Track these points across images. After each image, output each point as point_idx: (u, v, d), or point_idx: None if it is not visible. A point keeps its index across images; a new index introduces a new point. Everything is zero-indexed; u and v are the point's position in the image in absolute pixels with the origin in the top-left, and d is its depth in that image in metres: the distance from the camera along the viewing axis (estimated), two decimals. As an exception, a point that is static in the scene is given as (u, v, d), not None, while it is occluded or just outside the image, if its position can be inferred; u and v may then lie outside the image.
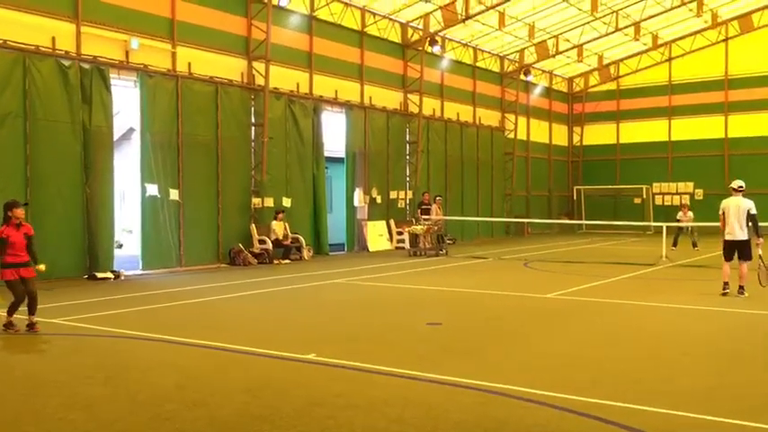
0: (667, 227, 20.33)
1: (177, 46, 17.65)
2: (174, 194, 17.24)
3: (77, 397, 6.30)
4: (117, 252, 16.88)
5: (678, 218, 23.55)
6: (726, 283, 12.15)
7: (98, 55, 15.86)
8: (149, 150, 16.83)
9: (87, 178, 15.61)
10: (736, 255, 12.01)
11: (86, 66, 15.59)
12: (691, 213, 23.43)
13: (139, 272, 16.51)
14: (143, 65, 16.75)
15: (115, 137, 16.95)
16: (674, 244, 22.25)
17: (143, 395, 6.30)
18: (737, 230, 11.85)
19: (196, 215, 17.90)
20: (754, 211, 11.80)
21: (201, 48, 18.34)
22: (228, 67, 19.04)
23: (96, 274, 15.22)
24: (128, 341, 8.80)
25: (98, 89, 15.73)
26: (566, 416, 5.63)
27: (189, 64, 17.94)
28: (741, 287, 11.94)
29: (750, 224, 11.80)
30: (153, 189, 16.80)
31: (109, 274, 15.32)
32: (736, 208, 11.86)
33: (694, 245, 22.32)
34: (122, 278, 15.44)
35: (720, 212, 12.15)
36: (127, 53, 16.53)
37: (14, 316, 9.28)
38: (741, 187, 12.05)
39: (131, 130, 20.05)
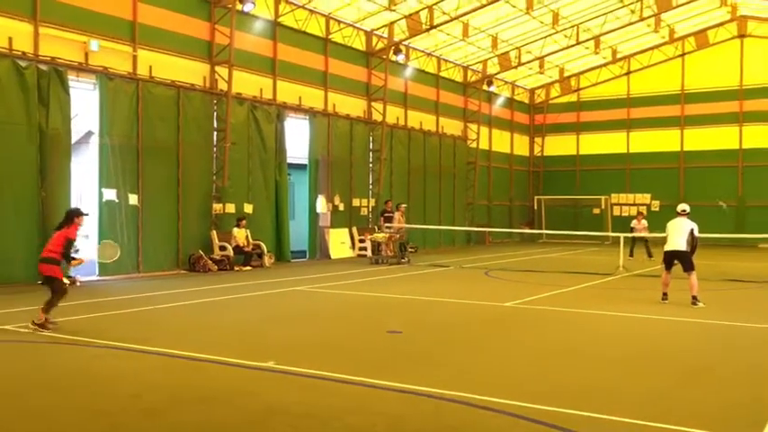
0: (624, 237, 20.72)
1: (138, 49, 17.43)
2: (132, 199, 16.99)
3: (30, 406, 6.15)
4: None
5: (632, 225, 23.94)
6: (664, 294, 12.80)
7: (56, 56, 15.57)
8: (108, 154, 16.57)
9: (43, 182, 15.29)
10: (675, 266, 12.71)
11: (44, 67, 15.28)
12: (645, 222, 23.88)
13: (96, 278, 16.20)
14: (103, 67, 16.50)
15: (73, 140, 16.63)
16: (631, 254, 22.66)
17: (98, 404, 6.19)
18: (677, 243, 12.58)
19: (155, 220, 17.65)
20: (696, 233, 12.56)
21: (163, 51, 18.14)
22: (191, 72, 18.86)
23: (51, 279, 14.87)
24: (82, 349, 8.63)
25: (56, 91, 15.42)
26: (521, 423, 5.69)
27: (150, 67, 17.72)
28: (694, 297, 12.28)
29: (689, 239, 12.48)
30: (110, 194, 16.54)
31: (64, 280, 14.94)
32: (679, 227, 12.66)
33: (649, 255, 22.76)
34: (78, 284, 15.10)
35: (666, 232, 12.96)
36: (86, 55, 16.26)
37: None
38: (684, 210, 12.90)
39: (90, 133, 19.71)
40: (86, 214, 10.29)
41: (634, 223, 23.93)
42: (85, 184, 19.21)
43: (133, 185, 17.09)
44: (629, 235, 22.83)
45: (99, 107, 16.49)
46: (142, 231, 17.19)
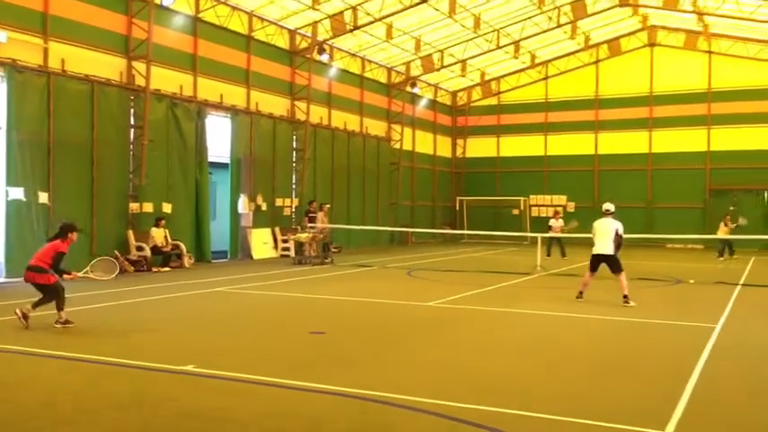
0: (542, 238, 21.33)
1: (50, 41, 16.70)
2: (43, 198, 16.26)
3: (-74, 417, 5.79)
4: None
5: (550, 224, 24.59)
6: (581, 292, 13.10)
7: (-41, 46, 14.76)
8: (16, 150, 15.79)
9: (-56, 179, 14.45)
10: (600, 268, 12.96)
11: (-55, 57, 14.46)
12: (561, 220, 24.62)
13: (2, 280, 15.42)
14: (11, 59, 15.71)
15: (-23, 135, 15.79)
16: (548, 253, 23.32)
17: (6, 413, 5.89)
18: (604, 246, 12.79)
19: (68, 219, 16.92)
20: (621, 232, 12.80)
21: (77, 44, 17.44)
22: (106, 66, 18.21)
23: (-48, 282, 14.10)
24: (-13, 355, 8.20)
25: (-41, 83, 14.61)
26: (443, 422, 5.76)
27: (62, 60, 17.02)
28: (625, 296, 12.60)
29: (615, 242, 12.73)
30: (17, 192, 15.76)
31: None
32: (605, 228, 12.85)
33: (563, 254, 23.49)
34: (-17, 287, 14.38)
35: (593, 232, 13.10)
36: (-7, 46, 15.49)
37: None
38: (608, 210, 13.10)
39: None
40: (80, 230, 10.54)
41: (552, 222, 24.61)
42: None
43: (44, 183, 16.35)
44: (547, 235, 23.51)
45: (6, 101, 15.70)
46: (53, 231, 16.42)
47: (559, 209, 29.72)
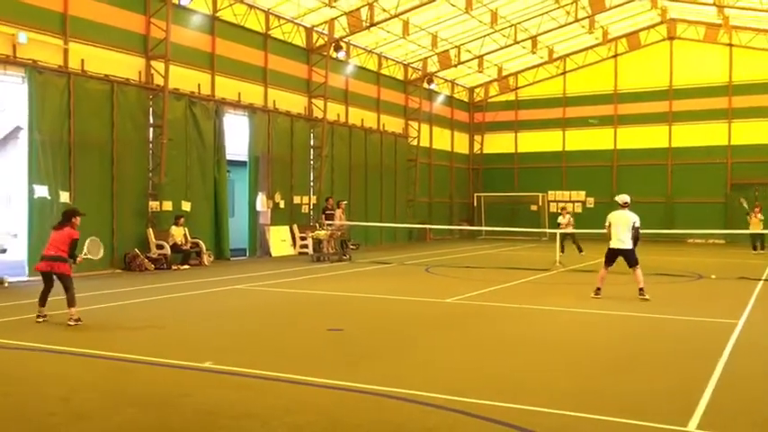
0: (560, 234, 21.16)
1: (70, 42, 16.87)
2: (64, 197, 16.44)
3: (-49, 413, 5.88)
4: (0, 257, 15.89)
5: (558, 222, 24.30)
6: (598, 289, 12.84)
7: (-19, 48, 14.95)
8: (38, 150, 15.98)
9: (-33, 179, 14.66)
10: (616, 262, 12.83)
11: (-32, 59, 14.65)
12: (569, 216, 24.34)
13: (25, 278, 15.61)
14: (32, 60, 15.90)
15: (1, 135, 15.98)
16: (562, 250, 23.09)
17: (26, 408, 5.97)
18: (622, 239, 12.62)
19: (89, 218, 16.79)
20: (638, 225, 12.62)
21: (96, 44, 17.61)
22: (125, 66, 18.37)
23: (-23, 280, 14.30)
24: (11, 351, 8.30)
25: (-19, 84, 14.81)
26: (461, 419, 5.76)
27: (82, 61, 17.18)
28: (641, 290, 12.49)
29: (633, 235, 12.57)
30: (42, 191, 15.95)
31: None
32: (622, 221, 12.64)
33: (579, 250, 23.26)
34: (6, 285, 14.56)
35: (606, 224, 12.89)
36: (14, 47, 15.64)
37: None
38: (626, 203, 12.81)
39: (18, 128, 19.01)
40: (83, 214, 10.50)
41: (560, 219, 24.34)
42: (14, 182, 18.52)
43: (65, 182, 16.54)
44: (559, 231, 23.27)
45: (28, 101, 15.88)
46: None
47: (568, 206, 29.61)
